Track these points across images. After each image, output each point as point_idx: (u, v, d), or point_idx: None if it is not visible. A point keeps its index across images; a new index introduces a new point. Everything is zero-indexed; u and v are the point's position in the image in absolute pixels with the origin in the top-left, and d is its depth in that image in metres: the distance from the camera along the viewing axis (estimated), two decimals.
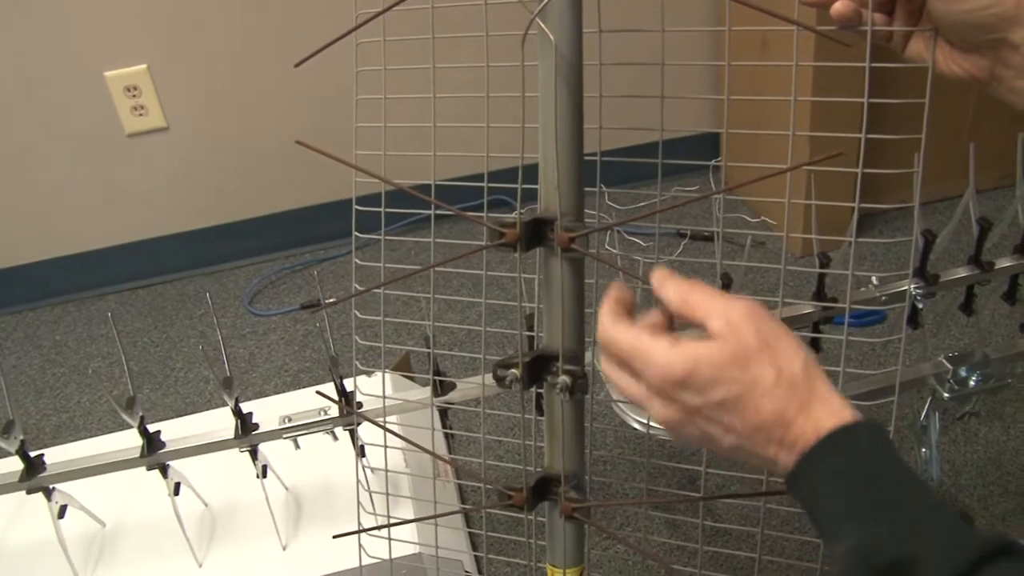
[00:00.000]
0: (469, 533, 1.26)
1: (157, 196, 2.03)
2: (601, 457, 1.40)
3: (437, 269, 0.74)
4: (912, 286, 1.02)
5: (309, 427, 1.03)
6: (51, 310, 2.06)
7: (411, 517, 0.90)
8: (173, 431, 1.05)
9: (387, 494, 0.87)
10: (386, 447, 0.85)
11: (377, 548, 0.89)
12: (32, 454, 1.02)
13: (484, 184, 0.75)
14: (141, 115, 1.91)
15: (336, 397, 1.00)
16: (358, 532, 0.86)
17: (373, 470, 0.93)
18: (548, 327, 0.68)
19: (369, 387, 1.00)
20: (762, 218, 1.98)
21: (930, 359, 1.06)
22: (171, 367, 1.83)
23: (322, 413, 1.03)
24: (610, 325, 0.57)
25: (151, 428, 1.03)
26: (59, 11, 1.78)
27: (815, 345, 1.01)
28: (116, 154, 1.96)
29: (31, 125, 1.89)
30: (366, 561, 0.90)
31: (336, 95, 1.84)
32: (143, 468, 1.03)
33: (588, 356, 0.70)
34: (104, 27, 1.82)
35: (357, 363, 0.87)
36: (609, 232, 1.88)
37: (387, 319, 0.81)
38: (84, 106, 1.88)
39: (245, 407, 1.03)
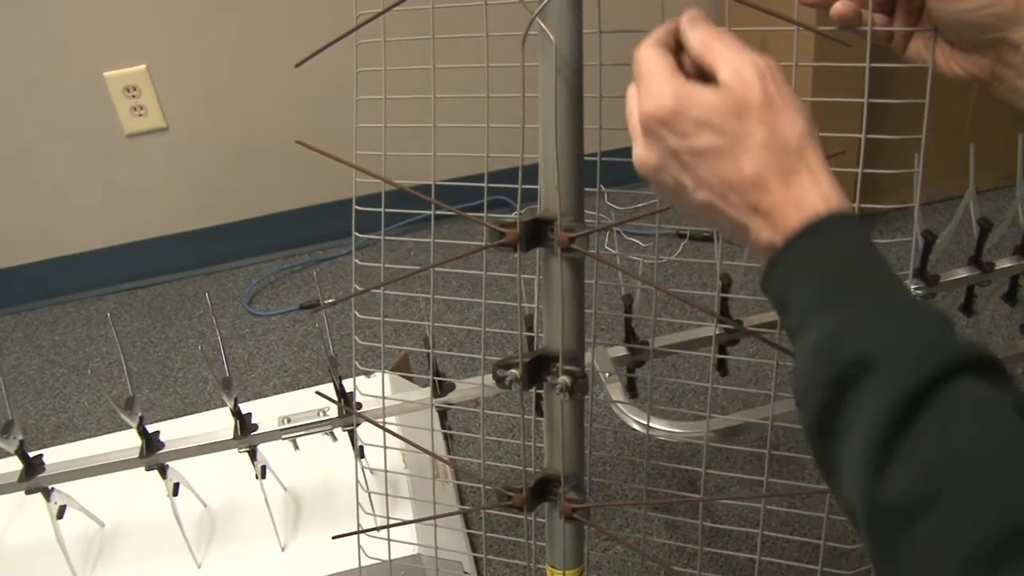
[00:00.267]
0: (468, 534, 1.26)
1: (156, 196, 2.03)
2: (601, 458, 1.40)
3: (437, 269, 0.74)
4: (912, 287, 1.02)
5: (308, 428, 1.03)
6: (50, 310, 2.06)
7: (410, 518, 0.90)
8: (172, 431, 1.05)
9: (386, 495, 0.87)
10: (385, 448, 0.85)
11: (376, 549, 0.89)
12: (31, 454, 1.02)
13: (484, 184, 0.75)
14: (141, 115, 1.91)
15: (335, 398, 1.00)
16: (357, 533, 0.86)
17: (372, 471, 0.93)
18: (548, 327, 0.68)
19: (368, 388, 0.99)
20: None
21: None
22: (170, 367, 1.83)
23: (321, 414, 1.03)
24: (646, 44, 0.54)
25: (150, 428, 1.03)
26: (59, 11, 1.78)
27: None
28: (116, 154, 1.96)
29: (31, 125, 1.89)
30: (365, 562, 0.90)
31: (336, 95, 1.84)
32: (142, 468, 1.03)
33: (588, 356, 0.70)
34: (103, 27, 1.82)
35: (356, 363, 0.87)
36: (609, 232, 1.88)
37: (386, 319, 0.81)
38: (84, 106, 1.88)
39: (244, 407, 1.03)
